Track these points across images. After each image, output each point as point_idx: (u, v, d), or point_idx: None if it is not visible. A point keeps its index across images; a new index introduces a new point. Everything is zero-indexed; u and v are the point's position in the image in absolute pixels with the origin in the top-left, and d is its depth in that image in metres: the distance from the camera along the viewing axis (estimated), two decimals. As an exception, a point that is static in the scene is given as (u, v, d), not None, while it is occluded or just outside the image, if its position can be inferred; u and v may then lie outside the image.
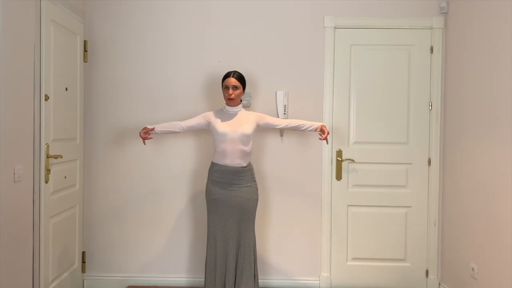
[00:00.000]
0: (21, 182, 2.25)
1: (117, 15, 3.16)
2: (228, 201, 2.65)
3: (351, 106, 3.20)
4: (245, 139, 2.66)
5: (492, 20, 2.60)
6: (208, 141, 3.16)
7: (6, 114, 2.09)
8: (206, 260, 2.73)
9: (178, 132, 2.78)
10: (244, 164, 2.69)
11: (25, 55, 2.30)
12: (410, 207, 3.21)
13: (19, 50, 2.23)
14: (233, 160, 2.65)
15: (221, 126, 2.66)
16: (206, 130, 3.05)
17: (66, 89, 2.83)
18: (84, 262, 3.18)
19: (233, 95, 2.67)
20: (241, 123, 2.68)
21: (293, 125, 2.79)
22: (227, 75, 2.72)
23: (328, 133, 2.72)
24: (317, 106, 3.19)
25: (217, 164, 2.70)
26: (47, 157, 2.54)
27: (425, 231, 3.20)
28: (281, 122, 2.81)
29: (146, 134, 2.70)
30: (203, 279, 3.09)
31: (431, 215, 3.19)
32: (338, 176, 3.19)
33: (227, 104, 2.74)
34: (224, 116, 2.72)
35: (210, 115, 2.75)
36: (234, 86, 2.68)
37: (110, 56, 3.17)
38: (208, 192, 2.71)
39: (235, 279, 2.67)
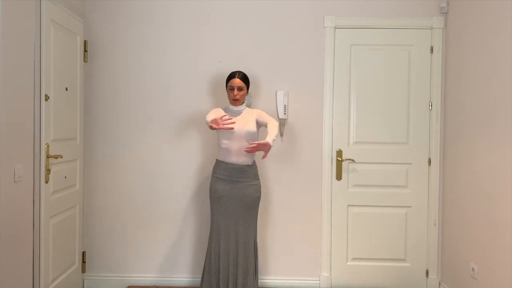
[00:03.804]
0: (21, 182, 2.25)
1: (117, 15, 3.16)
2: (233, 198, 2.67)
3: (351, 106, 3.20)
4: (250, 136, 2.68)
5: (492, 20, 2.60)
6: (211, 140, 3.16)
7: (6, 114, 2.09)
8: (206, 256, 2.74)
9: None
10: (250, 162, 2.71)
11: (25, 55, 2.30)
12: (410, 207, 3.21)
13: (19, 50, 2.23)
14: (239, 158, 2.67)
15: None
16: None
17: (66, 89, 2.83)
18: (84, 262, 3.18)
19: (238, 96, 2.71)
20: (246, 121, 2.71)
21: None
22: (231, 76, 2.74)
23: (264, 148, 2.53)
24: (317, 106, 3.19)
25: (222, 161, 2.71)
26: (47, 157, 2.54)
27: (425, 231, 3.20)
28: (269, 124, 2.69)
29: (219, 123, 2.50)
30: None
31: (431, 215, 3.19)
32: (338, 176, 3.19)
33: (232, 104, 2.76)
34: (229, 114, 2.74)
35: (219, 113, 2.73)
36: (239, 87, 2.71)
37: (110, 56, 3.17)
38: (212, 190, 2.72)
39: (236, 276, 2.67)
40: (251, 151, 2.54)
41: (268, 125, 2.68)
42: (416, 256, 3.21)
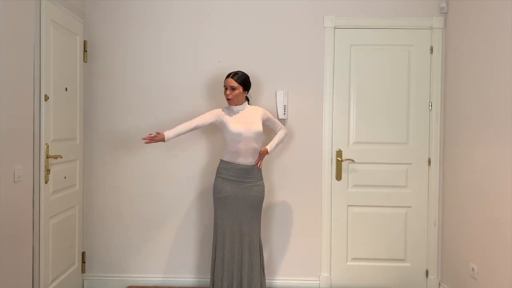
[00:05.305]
0: (21, 182, 2.25)
1: (117, 15, 3.16)
2: (238, 198, 2.67)
3: (351, 106, 3.20)
4: (257, 137, 2.70)
5: (492, 20, 2.60)
6: (212, 139, 3.16)
7: (6, 114, 2.09)
8: (213, 258, 2.73)
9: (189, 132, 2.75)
10: (255, 163, 2.73)
11: (25, 55, 2.30)
12: (410, 207, 3.21)
13: (18, 50, 2.23)
14: (246, 159, 2.68)
15: (234, 125, 2.66)
16: (212, 129, 3.05)
17: (66, 89, 2.83)
18: (84, 262, 3.18)
19: (230, 96, 2.70)
20: (252, 121, 2.70)
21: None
22: (227, 76, 2.74)
23: (261, 157, 2.78)
24: (317, 106, 3.19)
25: (228, 162, 2.70)
26: (47, 157, 2.54)
27: (425, 231, 3.20)
28: (279, 132, 2.92)
29: (152, 141, 2.63)
30: (208, 279, 3.11)
31: (431, 215, 3.19)
32: (338, 176, 3.19)
33: (228, 104, 2.76)
34: (233, 115, 2.73)
35: (222, 114, 2.73)
36: (231, 86, 2.70)
37: (110, 56, 3.17)
38: (217, 190, 2.71)
39: (241, 276, 2.67)
40: (260, 163, 2.78)
41: (278, 133, 2.91)
42: (416, 256, 3.21)
